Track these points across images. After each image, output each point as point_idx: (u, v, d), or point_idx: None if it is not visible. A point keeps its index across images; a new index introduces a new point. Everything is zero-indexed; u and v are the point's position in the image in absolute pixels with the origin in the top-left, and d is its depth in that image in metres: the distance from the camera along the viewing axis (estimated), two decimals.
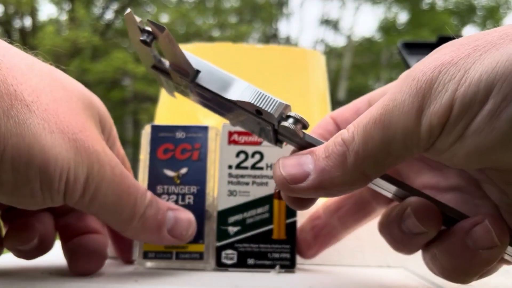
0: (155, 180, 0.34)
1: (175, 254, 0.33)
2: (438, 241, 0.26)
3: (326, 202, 0.35)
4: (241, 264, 0.34)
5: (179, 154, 0.34)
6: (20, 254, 0.31)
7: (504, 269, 0.36)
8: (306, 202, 0.26)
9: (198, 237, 0.33)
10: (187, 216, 0.32)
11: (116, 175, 0.28)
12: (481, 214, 0.25)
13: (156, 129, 0.34)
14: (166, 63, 0.29)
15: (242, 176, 0.34)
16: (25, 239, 0.30)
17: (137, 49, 0.29)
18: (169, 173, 0.34)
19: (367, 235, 0.37)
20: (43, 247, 0.31)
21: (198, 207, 0.34)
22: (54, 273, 0.32)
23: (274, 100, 0.26)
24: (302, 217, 0.37)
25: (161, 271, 0.33)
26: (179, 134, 0.34)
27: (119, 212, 0.28)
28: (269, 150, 0.35)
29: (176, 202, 0.34)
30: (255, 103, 0.26)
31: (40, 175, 0.24)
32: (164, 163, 0.34)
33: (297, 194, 0.24)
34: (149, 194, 0.30)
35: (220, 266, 0.34)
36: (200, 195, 0.34)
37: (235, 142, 0.35)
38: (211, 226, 0.34)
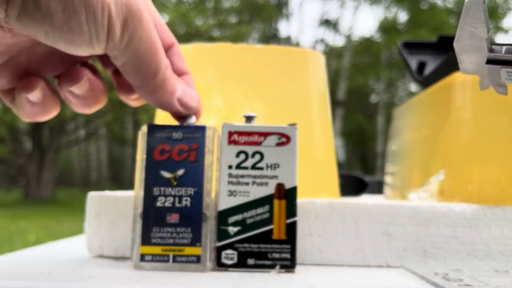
0: (152, 182, 0.34)
1: (172, 257, 0.33)
2: None
3: None
4: (241, 264, 0.34)
5: (175, 155, 0.34)
6: (76, 101, 0.33)
7: (504, 269, 0.36)
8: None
9: (195, 240, 0.33)
10: (193, 91, 0.36)
11: (150, 24, 0.31)
12: None
13: (152, 129, 0.34)
14: (502, 49, 0.27)
15: (242, 176, 0.34)
16: (77, 78, 0.32)
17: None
18: (166, 174, 0.34)
19: (367, 235, 0.37)
20: (96, 95, 0.34)
21: (195, 209, 0.34)
22: (54, 273, 0.32)
23: None
24: (303, 217, 0.37)
25: (161, 271, 0.33)
26: (176, 135, 0.34)
27: (148, 62, 0.31)
28: (269, 150, 0.35)
29: (173, 204, 0.33)
30: None
31: (84, 4, 0.26)
32: (160, 164, 0.34)
33: None
34: (167, 60, 0.33)
35: (220, 266, 0.34)
36: (197, 197, 0.34)
37: (235, 142, 0.35)
38: (208, 229, 0.34)
